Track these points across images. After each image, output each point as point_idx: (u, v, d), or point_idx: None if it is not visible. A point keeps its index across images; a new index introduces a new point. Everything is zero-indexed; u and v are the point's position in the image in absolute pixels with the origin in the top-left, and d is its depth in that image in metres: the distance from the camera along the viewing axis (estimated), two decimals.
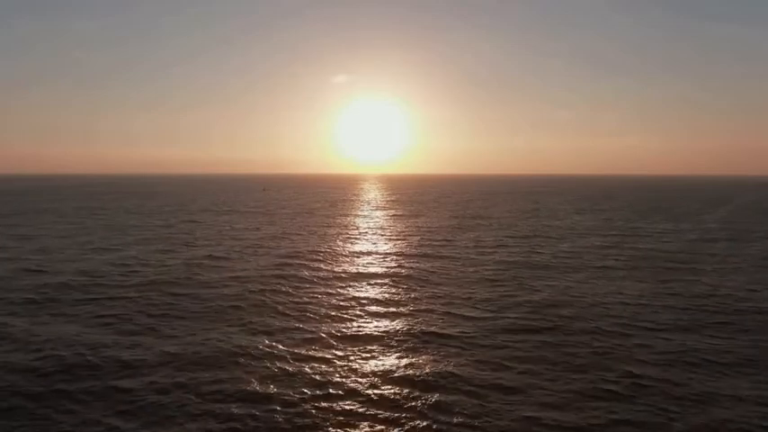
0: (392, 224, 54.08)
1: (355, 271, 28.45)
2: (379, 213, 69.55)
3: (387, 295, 23.26)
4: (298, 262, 30.94)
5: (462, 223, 54.64)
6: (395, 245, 38.06)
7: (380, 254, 34.03)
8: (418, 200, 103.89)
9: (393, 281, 26.07)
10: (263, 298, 22.52)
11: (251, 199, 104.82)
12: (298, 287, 24.68)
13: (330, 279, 26.47)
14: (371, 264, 30.68)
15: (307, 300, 22.38)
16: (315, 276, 27.02)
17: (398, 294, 23.40)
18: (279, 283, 25.22)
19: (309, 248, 35.95)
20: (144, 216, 62.50)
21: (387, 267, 29.54)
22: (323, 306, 21.41)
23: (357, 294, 23.38)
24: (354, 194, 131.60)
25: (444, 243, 38.92)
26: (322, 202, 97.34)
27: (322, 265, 29.99)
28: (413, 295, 23.21)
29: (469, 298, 22.66)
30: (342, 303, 21.83)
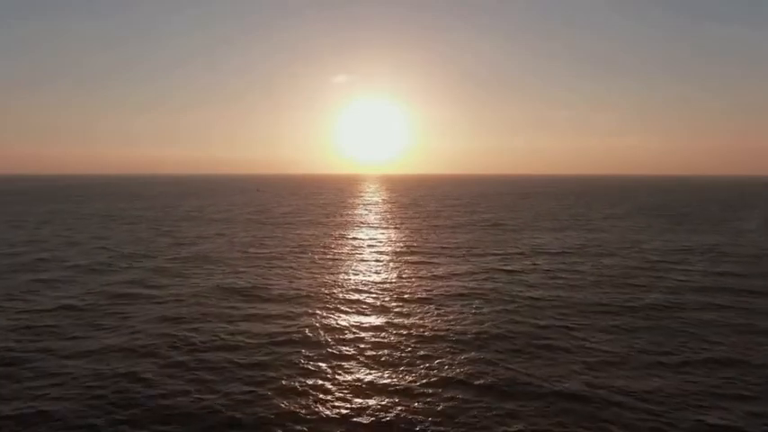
0: (396, 238, 46.60)
1: (348, 326, 20.35)
2: (380, 222, 62.16)
3: (394, 382, 15.90)
4: (264, 309, 21.29)
5: (481, 238, 47.13)
6: (402, 273, 30.00)
7: (383, 290, 25.61)
8: (422, 203, 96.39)
9: (398, 340, 18.65)
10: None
11: (242, 201, 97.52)
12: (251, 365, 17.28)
13: (310, 347, 17.36)
14: (369, 313, 21.54)
15: (263, 406, 14.07)
16: (284, 343, 17.39)
17: (410, 369, 16.03)
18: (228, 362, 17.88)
19: (285, 281, 27.50)
20: (115, 224, 55.18)
21: (391, 316, 21.44)
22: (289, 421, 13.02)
23: (344, 389, 14.91)
24: (353, 196, 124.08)
25: (467, 267, 30.94)
26: (317, 206, 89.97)
27: (300, 319, 19.86)
28: (432, 372, 15.72)
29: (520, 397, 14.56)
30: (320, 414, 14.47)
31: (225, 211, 75.12)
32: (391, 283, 26.44)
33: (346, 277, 27.79)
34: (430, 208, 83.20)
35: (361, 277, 27.87)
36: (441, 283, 26.20)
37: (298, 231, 49.34)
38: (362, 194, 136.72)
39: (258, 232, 48.21)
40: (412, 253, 36.07)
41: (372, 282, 26.73)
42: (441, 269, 29.99)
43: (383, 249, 37.92)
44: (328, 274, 28.73)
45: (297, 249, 37.74)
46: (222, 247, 38.75)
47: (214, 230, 49.44)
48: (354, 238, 44.52)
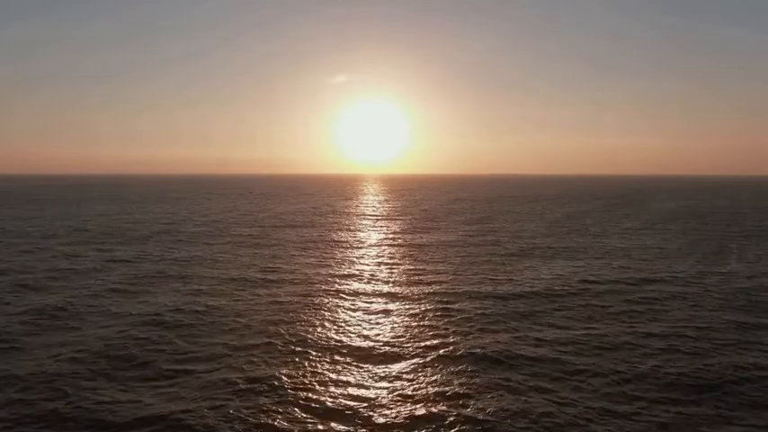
0: (401, 267, 36.44)
1: None
2: (384, 242, 52.11)
3: None
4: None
5: (516, 267, 37.23)
6: (417, 342, 20.02)
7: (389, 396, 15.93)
8: (430, 208, 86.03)
9: None
10: None
11: (223, 207, 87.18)
12: None
13: None
14: None
15: None
16: None
17: None
18: None
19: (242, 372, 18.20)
20: (56, 239, 45.18)
21: None
22: None
23: None
24: (353, 199, 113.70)
25: (516, 332, 20.84)
26: (309, 214, 79.89)
27: None
28: None
29: None
30: None
31: (200, 221, 65.11)
32: (401, 379, 16.20)
33: (317, 364, 17.60)
34: (437, 215, 73.10)
35: (348, 370, 17.54)
36: (492, 376, 15.82)
37: (263, 252, 39.33)
38: (364, 198, 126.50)
39: (220, 252, 38.19)
40: (421, 295, 25.99)
41: (361, 383, 16.52)
42: (484, 338, 19.78)
43: (381, 299, 27.71)
44: (283, 352, 18.57)
45: (249, 298, 27.67)
46: (160, 298, 28.76)
47: (175, 248, 39.51)
48: (344, 275, 34.40)
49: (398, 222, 62.68)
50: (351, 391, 14.17)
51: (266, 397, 13.78)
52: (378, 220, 66.66)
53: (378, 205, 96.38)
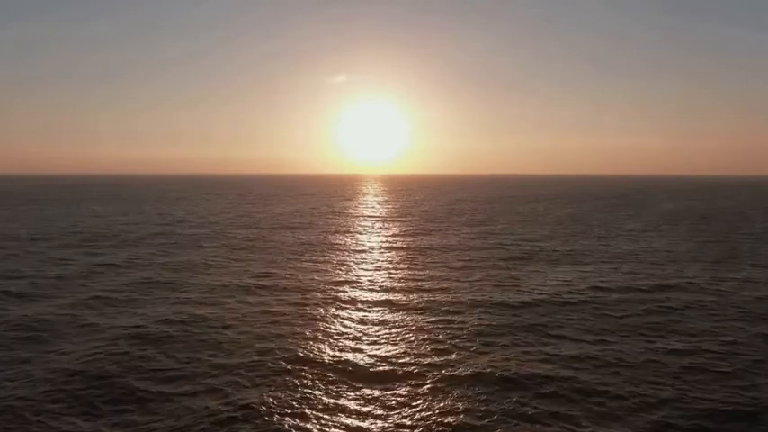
0: (408, 277, 34.99)
1: None
2: (384, 245, 50.62)
3: None
4: None
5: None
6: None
7: None
8: (430, 208, 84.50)
9: None
10: None
11: (221, 207, 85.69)
12: None
13: None
14: None
15: None
16: None
17: None
18: None
19: None
20: (44, 242, 43.80)
21: None
22: None
23: None
24: (352, 200, 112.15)
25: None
26: (308, 215, 78.44)
27: None
28: None
29: None
30: None
31: (196, 223, 63.71)
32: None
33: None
34: (437, 216, 71.66)
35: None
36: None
37: (259, 257, 37.92)
38: (361, 196, 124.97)
39: (214, 255, 36.79)
40: (422, 304, 24.57)
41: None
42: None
43: (379, 308, 26.35)
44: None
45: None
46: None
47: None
48: (340, 281, 32.96)
49: (398, 224, 61.23)
50: (344, 419, 12.76)
51: (250, 425, 12.38)
52: (377, 221, 65.19)
53: (377, 206, 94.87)
